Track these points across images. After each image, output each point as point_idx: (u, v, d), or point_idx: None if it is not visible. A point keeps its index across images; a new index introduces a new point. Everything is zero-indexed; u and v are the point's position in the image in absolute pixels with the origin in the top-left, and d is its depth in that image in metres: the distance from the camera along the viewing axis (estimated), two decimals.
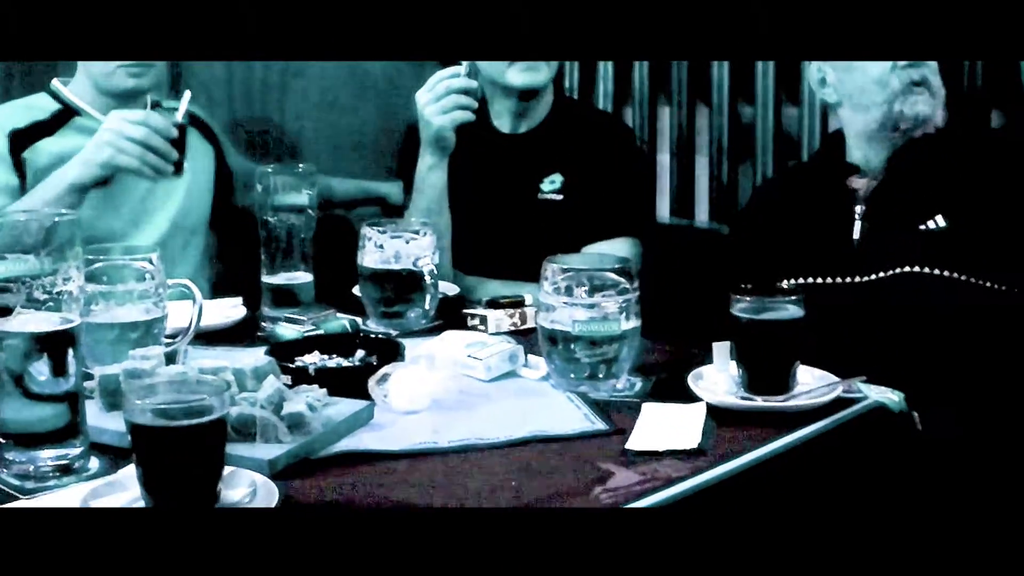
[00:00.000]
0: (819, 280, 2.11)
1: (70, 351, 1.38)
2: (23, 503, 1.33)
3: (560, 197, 2.51)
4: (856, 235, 2.16)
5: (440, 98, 2.32)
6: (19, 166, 2.33)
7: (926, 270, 2.04)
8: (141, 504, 1.26)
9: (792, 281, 2.08)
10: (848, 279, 2.10)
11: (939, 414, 1.75)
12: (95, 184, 2.22)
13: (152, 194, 2.46)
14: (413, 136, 2.47)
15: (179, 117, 2.21)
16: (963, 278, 2.02)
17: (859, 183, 2.21)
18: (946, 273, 2.03)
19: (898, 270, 2.06)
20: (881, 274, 2.07)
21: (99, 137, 2.18)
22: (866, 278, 2.09)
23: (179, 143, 2.21)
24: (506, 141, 2.57)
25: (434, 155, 2.39)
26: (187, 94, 2.26)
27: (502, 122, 2.57)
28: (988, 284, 2.02)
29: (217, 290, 2.47)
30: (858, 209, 2.18)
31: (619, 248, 2.35)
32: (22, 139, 2.36)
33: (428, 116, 2.34)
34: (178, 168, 2.22)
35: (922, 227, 2.08)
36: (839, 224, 2.18)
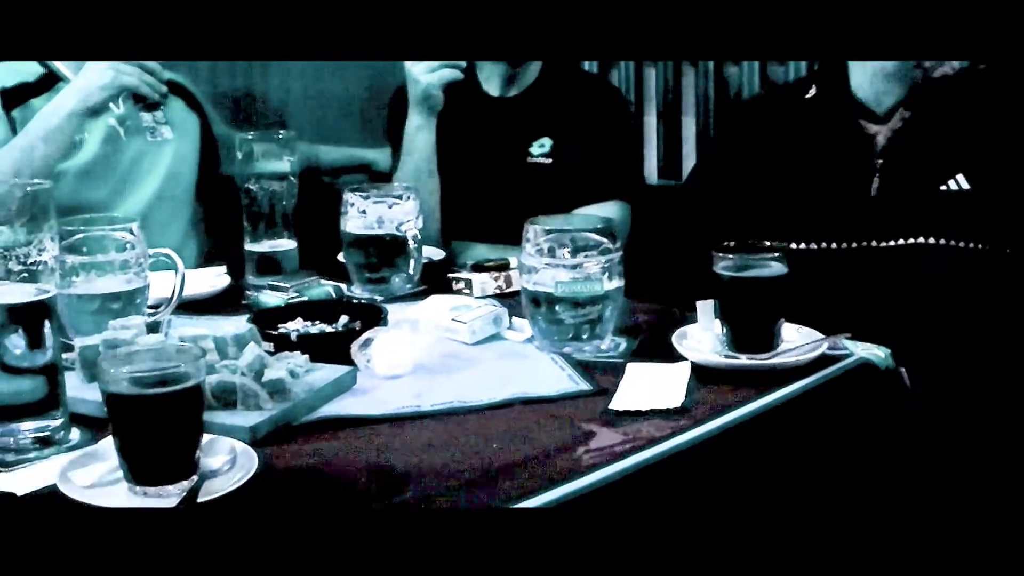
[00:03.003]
0: (832, 245, 2.04)
1: (46, 323, 1.36)
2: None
3: (549, 161, 2.50)
4: (874, 192, 2.05)
5: None
6: (9, 123, 2.35)
7: (940, 241, 1.98)
8: (119, 474, 1.25)
9: (798, 245, 2.03)
10: (862, 243, 2.02)
11: (927, 371, 1.74)
12: (95, 111, 2.23)
13: (137, 164, 2.46)
14: (402, 98, 2.46)
15: None
16: (984, 248, 1.96)
17: (875, 129, 2.08)
18: (969, 245, 1.97)
19: (913, 240, 1.98)
20: (899, 241, 2.00)
21: (95, 65, 2.21)
22: (882, 244, 2.01)
23: None
24: (495, 105, 2.56)
25: (422, 114, 2.40)
26: None
27: (491, 86, 2.56)
28: (1007, 250, 1.98)
29: (206, 259, 2.47)
30: (877, 163, 2.06)
31: (609, 212, 2.34)
32: (11, 98, 2.38)
33: (416, 74, 2.35)
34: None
35: (943, 188, 2.01)
36: (855, 178, 2.06)
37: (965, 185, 2.01)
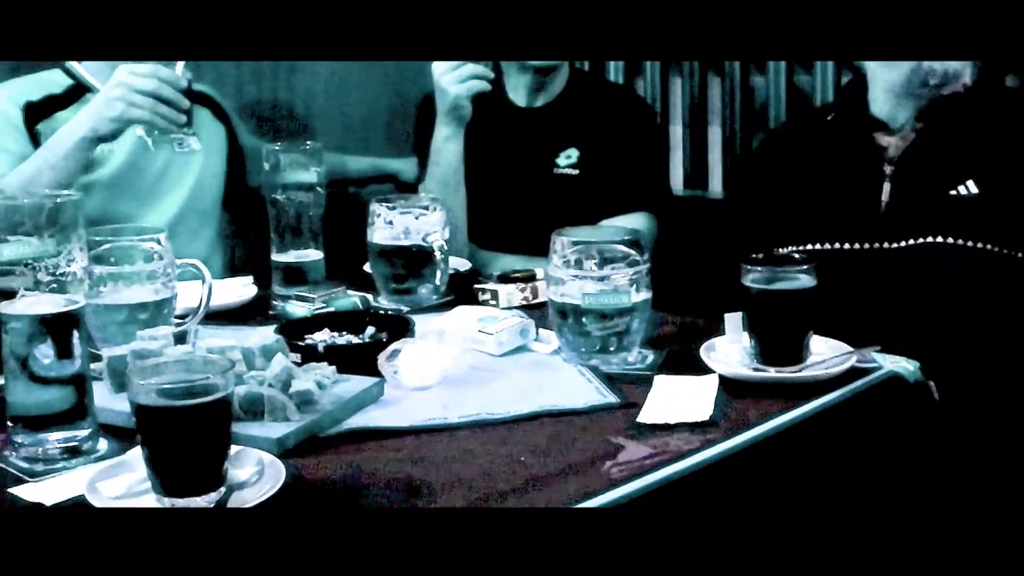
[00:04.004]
0: (844, 246, 2.07)
1: (75, 333, 1.36)
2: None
3: (576, 172, 2.50)
4: (885, 197, 2.10)
5: (457, 67, 2.32)
6: (33, 138, 2.34)
7: (950, 240, 1.99)
8: (147, 485, 1.25)
9: (812, 246, 2.05)
10: (873, 245, 2.06)
11: (956, 384, 1.73)
12: (104, 140, 2.23)
13: (164, 175, 2.46)
14: (429, 108, 2.46)
15: (179, 71, 2.19)
16: (995, 249, 1.98)
17: (887, 140, 2.14)
18: (979, 245, 1.98)
19: (923, 240, 2.01)
20: (910, 242, 2.03)
21: (109, 92, 2.18)
22: (893, 245, 2.04)
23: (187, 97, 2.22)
24: (522, 115, 2.56)
25: (450, 125, 2.39)
26: None
27: (518, 96, 2.56)
28: (1018, 254, 1.98)
29: (233, 270, 2.48)
30: (887, 170, 2.11)
31: (635, 223, 2.34)
32: (37, 111, 2.37)
33: (444, 85, 2.34)
34: (188, 120, 2.21)
35: (952, 192, 2.04)
36: (866, 184, 2.11)
37: (975, 190, 2.03)
